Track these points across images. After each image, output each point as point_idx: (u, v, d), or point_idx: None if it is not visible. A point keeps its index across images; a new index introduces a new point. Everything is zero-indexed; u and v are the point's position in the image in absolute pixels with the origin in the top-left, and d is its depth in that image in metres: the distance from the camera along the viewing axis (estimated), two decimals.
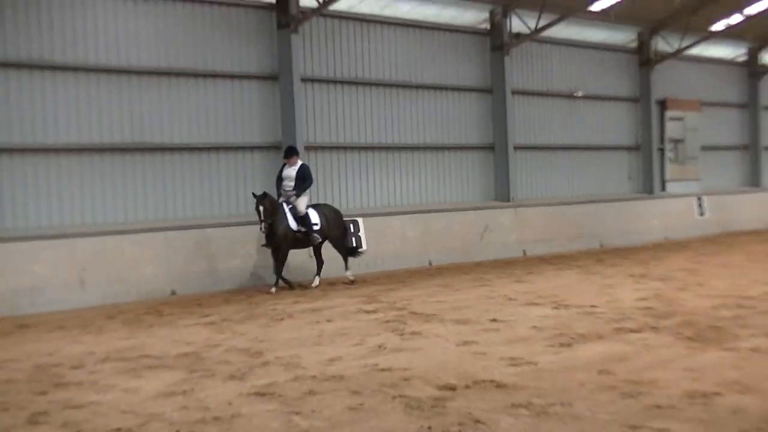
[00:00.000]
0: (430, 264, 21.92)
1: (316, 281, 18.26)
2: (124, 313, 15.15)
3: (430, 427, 7.33)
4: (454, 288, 17.31)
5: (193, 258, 17.86)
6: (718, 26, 30.11)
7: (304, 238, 17.62)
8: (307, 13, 20.50)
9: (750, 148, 34.83)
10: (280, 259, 17.48)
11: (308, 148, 20.94)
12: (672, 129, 30.96)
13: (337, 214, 18.71)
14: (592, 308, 13.77)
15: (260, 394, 8.72)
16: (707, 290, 15.58)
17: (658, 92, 30.39)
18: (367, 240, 20.81)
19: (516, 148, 25.69)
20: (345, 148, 22.09)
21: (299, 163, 17.91)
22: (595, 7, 25.88)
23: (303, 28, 20.74)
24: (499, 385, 8.77)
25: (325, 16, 21.27)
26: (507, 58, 25.27)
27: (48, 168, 17.41)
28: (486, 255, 23.18)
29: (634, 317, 12.76)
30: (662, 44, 30.02)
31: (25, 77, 17.13)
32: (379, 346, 11.15)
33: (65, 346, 11.99)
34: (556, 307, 14.03)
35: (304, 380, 9.29)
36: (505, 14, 25.11)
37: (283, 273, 17.60)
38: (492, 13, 25.11)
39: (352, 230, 20.53)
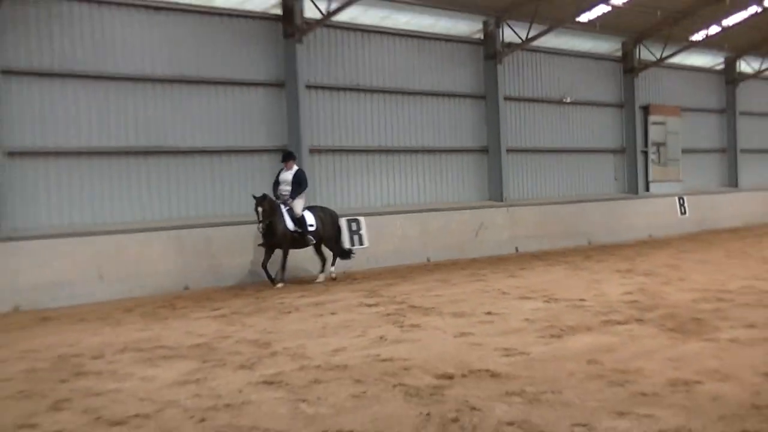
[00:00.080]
0: (428, 260, 21.91)
1: (321, 277, 18.26)
2: (140, 306, 15.15)
3: (428, 414, 7.32)
4: (451, 283, 17.30)
5: (205, 255, 17.86)
6: (698, 36, 30.15)
7: (300, 238, 17.62)
8: (312, 24, 20.53)
9: (728, 151, 34.85)
10: (282, 257, 17.49)
11: (312, 151, 20.97)
12: (655, 133, 30.96)
13: (332, 216, 18.66)
14: (581, 302, 13.76)
15: (268, 383, 8.72)
16: (689, 285, 15.56)
17: (641, 98, 30.42)
18: (368, 238, 20.82)
19: (508, 150, 25.71)
20: (347, 151, 22.09)
21: (295, 167, 17.86)
22: (582, 19, 25.93)
23: (307, 38, 20.77)
24: (494, 374, 8.77)
25: (328, 26, 21.28)
26: (499, 66, 25.29)
27: (68, 170, 17.45)
28: (481, 252, 23.18)
29: (620, 310, 12.74)
30: (645, 53, 30.05)
31: (47, 85, 17.17)
32: (381, 338, 11.14)
33: (85, 338, 11.99)
34: (546, 301, 14.02)
35: (310, 369, 9.28)
36: (498, 25, 25.15)
37: (280, 271, 17.58)
38: (485, 24, 25.13)
39: (355, 229, 20.54)
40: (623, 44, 29.86)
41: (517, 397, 7.82)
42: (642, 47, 29.95)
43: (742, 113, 35.04)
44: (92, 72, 17.73)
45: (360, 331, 11.70)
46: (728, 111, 34.84)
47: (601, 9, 25.74)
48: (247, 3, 20.01)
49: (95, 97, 17.82)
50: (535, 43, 25.72)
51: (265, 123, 20.43)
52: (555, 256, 22.75)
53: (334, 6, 20.24)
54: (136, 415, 7.63)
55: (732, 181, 34.77)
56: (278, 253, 17.61)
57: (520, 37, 25.28)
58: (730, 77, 34.69)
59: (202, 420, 7.43)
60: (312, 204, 19.10)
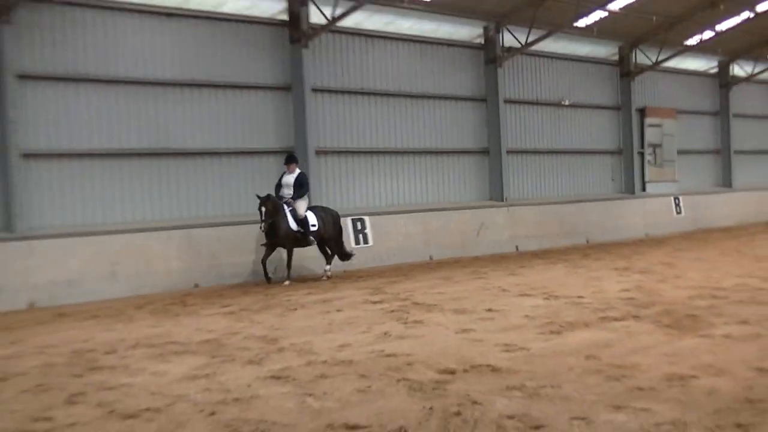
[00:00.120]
0: (430, 258, 21.91)
1: (328, 272, 18.30)
2: (152, 303, 15.18)
3: (431, 408, 7.33)
4: (453, 280, 17.31)
5: (214, 253, 17.88)
6: (692, 41, 30.17)
7: (302, 238, 17.61)
8: (317, 29, 20.53)
9: (721, 152, 34.80)
10: (288, 256, 17.53)
11: (318, 153, 20.99)
12: (651, 135, 30.93)
13: (333, 216, 18.64)
14: (579, 299, 13.76)
15: (276, 378, 8.73)
16: (684, 282, 15.55)
17: (637, 101, 30.38)
18: (373, 237, 20.83)
19: (509, 152, 25.70)
20: (352, 152, 22.09)
21: (297, 171, 17.87)
22: (579, 24, 25.96)
23: (313, 43, 20.77)
24: (495, 369, 8.77)
25: (333, 32, 21.28)
26: (500, 70, 25.27)
27: (81, 171, 17.46)
28: (482, 250, 23.19)
29: (617, 307, 12.74)
30: (641, 57, 30.01)
31: (60, 89, 17.19)
32: (385, 334, 11.14)
33: (99, 334, 12.02)
34: (546, 298, 14.02)
35: (316, 365, 9.29)
36: (498, 30, 25.13)
37: (287, 270, 17.62)
38: (486, 29, 25.12)
39: (359, 228, 20.56)
40: (620, 49, 29.82)
41: (518, 392, 7.82)
42: (638, 51, 29.91)
43: (736, 115, 35.00)
44: (104, 76, 17.75)
45: (365, 328, 11.71)
46: (722, 113, 34.79)
47: (598, 14, 25.78)
48: (255, 9, 20.02)
49: (107, 100, 17.84)
50: (534, 47, 25.71)
51: (272, 125, 20.44)
52: (554, 254, 22.75)
53: (339, 12, 20.23)
54: (148, 409, 7.64)
55: (726, 182, 34.73)
56: (279, 251, 17.67)
57: (519, 42, 25.27)
58: (723, 80, 34.65)
59: (212, 414, 7.44)
60: (316, 204, 19.17)
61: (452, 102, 24.66)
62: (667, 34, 28.81)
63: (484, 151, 25.42)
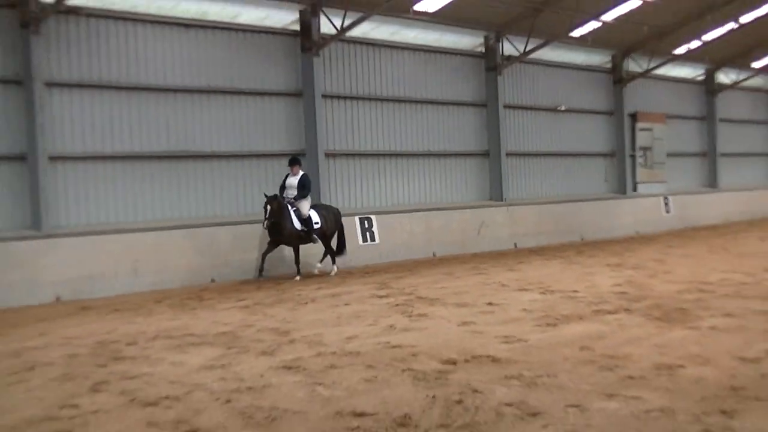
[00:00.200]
0: (434, 255, 21.90)
1: (334, 269, 18.28)
2: (171, 298, 15.18)
3: (434, 396, 7.33)
4: (455, 276, 17.30)
5: (230, 250, 17.88)
6: (680, 50, 30.15)
7: (305, 236, 17.58)
8: (327, 39, 20.53)
9: (708, 155, 34.77)
10: (294, 253, 17.50)
11: (328, 155, 20.98)
12: (641, 138, 30.89)
13: (334, 214, 18.56)
14: (574, 293, 13.75)
15: (288, 368, 8.73)
16: (673, 277, 15.53)
17: (629, 106, 30.33)
18: (379, 235, 20.83)
19: (508, 154, 25.67)
20: (360, 155, 22.07)
21: (301, 172, 17.80)
22: (575, 33, 25.93)
23: (323, 52, 20.77)
24: (494, 360, 8.77)
25: (342, 41, 21.27)
26: (500, 77, 25.25)
27: (105, 173, 17.48)
28: (482, 247, 23.16)
29: (610, 301, 12.73)
30: (633, 65, 29.99)
31: (86, 96, 17.21)
32: (391, 326, 11.14)
33: (121, 326, 12.03)
34: (543, 292, 14.00)
35: (326, 356, 9.29)
36: (498, 39, 25.11)
37: (296, 267, 17.59)
38: (486, 39, 25.10)
39: (367, 226, 20.55)
40: (613, 57, 29.78)
41: (516, 381, 7.82)
42: (630, 60, 29.90)
43: (721, 120, 34.97)
44: (127, 84, 17.77)
45: (372, 321, 11.71)
46: (708, 118, 34.76)
47: (592, 25, 25.76)
48: (268, 20, 20.02)
49: (129, 106, 17.86)
50: (532, 56, 25.67)
51: (284, 130, 20.43)
52: (550, 251, 22.72)
53: (348, 22, 20.22)
54: (167, 397, 7.66)
55: (712, 183, 34.70)
56: (280, 250, 17.69)
57: (518, 51, 25.25)
58: (710, 87, 34.62)
59: (227, 401, 7.46)
60: (322, 203, 19.20)
61: (455, 107, 24.63)
62: (657, 43, 28.81)
63: (485, 154, 25.39)
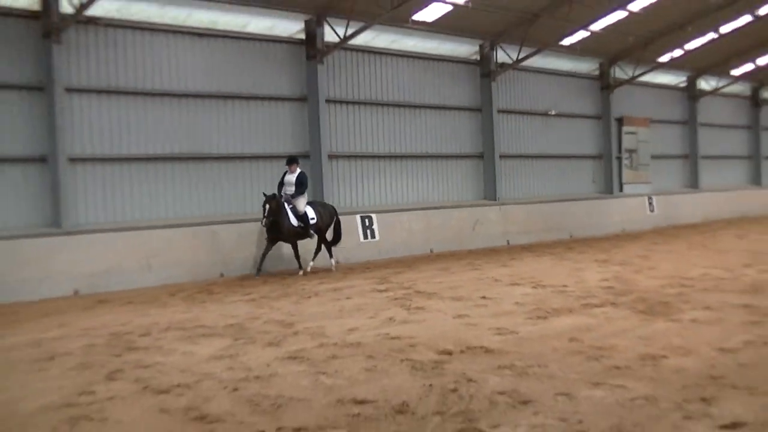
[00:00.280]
0: (431, 252, 21.87)
1: (332, 264, 18.21)
2: (182, 291, 15.17)
3: (431, 385, 7.33)
4: (451, 271, 17.28)
5: (237, 247, 17.85)
6: (664, 58, 30.08)
7: (302, 232, 17.50)
8: (331, 47, 20.53)
9: (690, 157, 34.74)
10: (293, 250, 17.38)
11: (331, 157, 20.97)
12: (627, 141, 30.87)
13: (330, 211, 18.38)
14: (564, 287, 13.74)
15: (292, 358, 8.73)
16: (656, 272, 15.52)
17: (616, 111, 30.30)
18: (379, 232, 20.81)
19: (501, 156, 25.66)
20: (361, 156, 22.06)
21: (298, 170, 17.70)
22: (565, 42, 25.93)
23: (327, 59, 20.76)
24: (488, 351, 8.77)
25: (345, 49, 21.26)
26: (494, 83, 25.23)
27: (121, 174, 17.49)
28: (477, 244, 23.14)
29: (597, 295, 12.73)
30: (619, 72, 29.97)
31: (103, 101, 17.22)
32: (390, 319, 11.14)
33: (135, 318, 12.03)
34: (534, 287, 14.00)
35: (328, 347, 9.29)
36: (492, 48, 25.10)
37: (297, 262, 17.51)
38: (481, 47, 25.09)
39: (368, 224, 20.54)
40: (600, 65, 29.77)
41: (508, 371, 7.82)
42: (616, 67, 29.87)
43: (702, 125, 34.93)
44: (142, 89, 17.77)
45: (372, 313, 11.70)
46: (690, 122, 34.72)
47: (581, 34, 25.78)
48: (275, 29, 20.01)
49: (145, 110, 17.86)
50: (525, 63, 25.65)
51: (290, 133, 20.42)
52: (541, 248, 22.71)
53: (350, 31, 20.22)
54: (179, 385, 7.67)
55: (693, 183, 34.69)
56: (278, 248, 17.58)
57: (511, 58, 25.24)
58: (691, 93, 34.59)
59: (235, 390, 7.46)
60: (324, 201, 19.19)
61: (451, 112, 24.62)
62: (642, 52, 28.78)
63: (480, 156, 25.38)
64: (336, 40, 20.47)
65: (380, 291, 14.27)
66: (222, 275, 17.33)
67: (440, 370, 7.93)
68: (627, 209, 29.64)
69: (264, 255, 17.23)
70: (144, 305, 13.46)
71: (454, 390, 7.15)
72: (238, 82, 19.44)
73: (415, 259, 20.31)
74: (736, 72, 34.85)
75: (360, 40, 21.16)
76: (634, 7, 24.74)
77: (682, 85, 34.38)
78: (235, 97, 19.38)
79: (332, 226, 18.37)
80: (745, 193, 36.74)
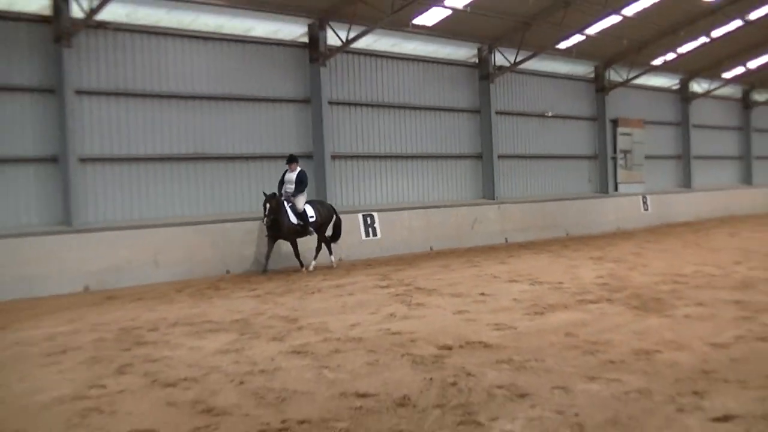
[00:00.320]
0: (431, 249, 21.86)
1: (332, 261, 18.15)
2: (190, 287, 15.16)
3: (431, 379, 7.33)
4: (451, 268, 17.26)
5: (243, 244, 17.84)
6: (657, 61, 30.11)
7: (302, 229, 17.46)
8: (333, 50, 20.53)
9: (682, 158, 34.70)
10: (293, 247, 17.25)
11: (334, 157, 20.97)
12: (622, 142, 30.85)
13: (328, 209, 18.30)
14: (560, 284, 13.73)
15: (296, 352, 8.73)
16: (650, 269, 15.51)
17: (611, 113, 30.28)
18: (381, 230, 20.81)
19: (499, 156, 25.64)
20: (363, 157, 22.06)
21: (298, 169, 17.64)
22: (561, 46, 25.95)
23: (330, 62, 20.75)
24: (486, 345, 8.76)
25: (347, 52, 21.26)
26: (492, 86, 25.22)
27: (130, 173, 17.50)
28: (475, 242, 23.13)
29: (593, 291, 12.72)
30: (614, 75, 29.95)
31: (113, 103, 17.24)
32: (391, 315, 11.13)
33: (144, 313, 12.03)
34: (531, 284, 13.98)
35: (331, 341, 9.29)
36: (491, 51, 25.09)
37: (297, 259, 17.40)
38: (480, 50, 25.08)
39: (369, 222, 20.53)
40: (595, 68, 29.74)
41: (506, 365, 7.82)
42: (611, 70, 29.85)
43: (694, 126, 34.90)
44: (150, 92, 17.78)
45: (374, 309, 11.70)
46: (683, 124, 34.68)
47: (576, 38, 25.78)
48: (279, 33, 20.00)
49: (153, 112, 17.87)
50: (522, 66, 25.63)
51: (294, 134, 20.42)
52: (538, 245, 22.69)
53: (352, 35, 20.21)
54: (186, 379, 7.67)
55: (686, 183, 34.66)
56: (279, 244, 17.53)
57: (509, 61, 25.22)
58: (684, 96, 34.56)
59: (241, 383, 7.46)
60: (320, 199, 19.14)
61: (451, 113, 24.61)
62: (636, 55, 28.80)
63: (478, 156, 25.37)
64: (338, 43, 20.47)
65: (382, 287, 14.25)
66: (228, 272, 17.32)
67: (440, 364, 7.92)
68: (622, 208, 29.62)
69: (268, 254, 17.21)
70: (152, 301, 13.46)
71: (454, 384, 7.14)
72: (243, 84, 19.45)
73: (415, 257, 20.29)
74: (727, 75, 34.86)
75: (362, 43, 21.17)
76: (628, 12, 24.75)
77: (675, 87, 34.35)
78: (240, 99, 19.38)
79: (332, 225, 18.34)
80: (736, 192, 36.73)
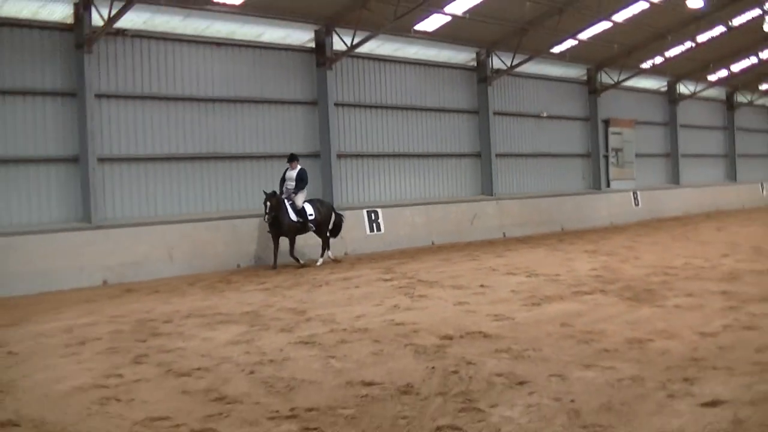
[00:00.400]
0: (432, 243, 21.82)
1: (327, 257, 17.84)
2: (202, 281, 15.14)
3: (433, 367, 7.29)
4: (451, 262, 17.23)
5: (253, 239, 17.80)
6: (646, 65, 30.09)
7: (301, 226, 17.33)
8: (339, 55, 20.48)
9: (671, 156, 34.63)
10: (290, 244, 16.99)
11: (339, 156, 20.92)
12: (614, 141, 30.76)
13: (328, 208, 18.12)
14: (556, 276, 13.69)
15: (304, 343, 8.69)
16: (642, 262, 15.47)
17: (603, 113, 30.19)
18: (384, 226, 20.77)
19: (497, 155, 25.55)
20: (368, 156, 22.00)
21: (299, 167, 17.56)
22: (555, 50, 25.88)
23: (336, 66, 20.70)
24: (486, 335, 8.73)
25: (352, 57, 21.19)
26: (490, 88, 25.15)
27: (147, 172, 17.46)
28: (475, 236, 23.08)
29: (587, 283, 12.67)
30: (605, 77, 29.88)
31: (130, 105, 17.20)
32: (395, 306, 11.09)
33: (159, 306, 12.00)
34: (528, 276, 13.94)
35: (338, 332, 9.25)
36: (488, 55, 25.02)
37: (291, 255, 17.10)
38: (478, 54, 25.00)
39: (374, 218, 20.49)
40: (588, 70, 29.68)
41: (505, 354, 7.78)
42: (603, 73, 29.77)
43: (682, 126, 34.83)
44: (166, 95, 17.74)
45: (378, 301, 11.66)
46: (671, 124, 34.62)
47: (570, 43, 25.72)
48: (288, 38, 19.95)
49: (168, 114, 17.84)
50: (518, 69, 25.53)
51: (301, 134, 20.37)
52: (535, 240, 22.66)
53: (357, 40, 20.15)
54: (199, 368, 7.63)
55: (675, 180, 34.60)
56: (284, 241, 17.38)
57: (505, 65, 25.15)
58: (672, 97, 34.51)
59: (251, 372, 7.42)
60: (320, 198, 19.04)
61: (450, 114, 24.55)
62: (626, 59, 28.74)
63: (477, 155, 25.30)
64: (344, 48, 20.42)
65: (386, 280, 14.22)
66: (239, 266, 17.29)
67: (442, 353, 7.88)
68: (614, 204, 29.58)
69: (276, 250, 17.12)
70: (167, 294, 13.43)
71: (455, 372, 7.10)
72: (253, 87, 19.40)
73: (417, 251, 20.25)
74: (712, 78, 34.80)
75: (366, 48, 21.09)
76: (618, 18, 24.78)
77: (663, 89, 34.30)
78: (251, 102, 19.33)
79: (332, 222, 18.23)
80: (722, 188, 36.79)
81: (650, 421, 5.65)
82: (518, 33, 24.03)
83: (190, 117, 18.23)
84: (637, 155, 31.98)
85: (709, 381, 6.57)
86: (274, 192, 17.03)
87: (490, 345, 8.21)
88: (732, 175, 38.64)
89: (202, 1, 17.36)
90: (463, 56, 24.80)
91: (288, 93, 20.10)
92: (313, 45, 20.47)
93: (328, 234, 18.01)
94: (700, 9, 25.45)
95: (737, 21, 27.80)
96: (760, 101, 39.92)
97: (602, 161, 30.18)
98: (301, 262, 17.13)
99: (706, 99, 36.61)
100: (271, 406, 6.31)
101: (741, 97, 38.54)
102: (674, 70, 32.43)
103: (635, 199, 30.61)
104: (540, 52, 25.25)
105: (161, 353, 8.41)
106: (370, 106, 22.09)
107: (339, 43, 20.40)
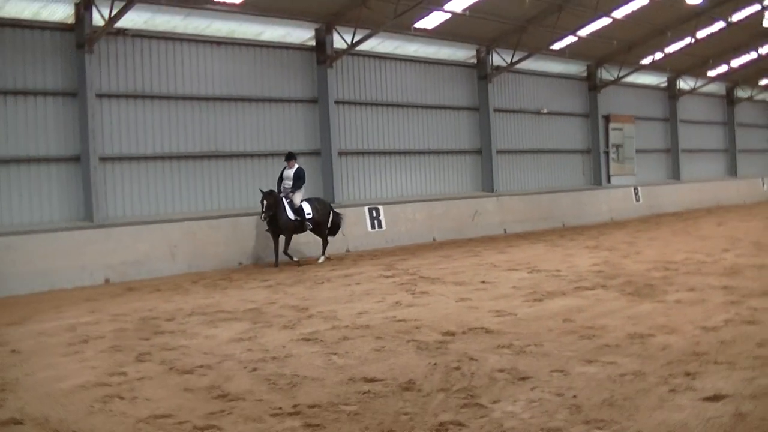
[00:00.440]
0: (434, 240, 21.81)
1: (321, 258, 17.72)
2: (204, 279, 15.14)
3: (435, 364, 7.28)
4: (453, 258, 17.22)
5: (254, 237, 17.78)
6: (646, 61, 30.00)
7: (299, 225, 17.28)
8: (339, 53, 20.45)
9: (671, 151, 34.62)
10: (286, 242, 16.89)
11: (340, 154, 20.91)
12: (614, 137, 30.75)
13: (325, 206, 17.98)
14: (557, 272, 13.69)
15: (306, 340, 8.69)
16: (643, 257, 15.46)
17: (603, 109, 30.16)
18: (386, 222, 20.76)
19: (498, 152, 25.54)
20: (368, 153, 21.98)
21: (296, 166, 17.50)
22: (555, 47, 25.87)
23: (336, 64, 20.68)
24: (488, 331, 8.72)
25: (352, 54, 21.16)
26: (490, 85, 25.14)
27: (148, 171, 17.45)
28: (476, 233, 23.08)
29: (588, 278, 12.67)
30: (605, 74, 29.90)
31: (131, 105, 17.19)
32: (397, 303, 11.09)
33: (161, 304, 11.99)
34: (530, 272, 13.94)
35: (340, 329, 9.25)
36: (488, 52, 24.99)
37: (287, 252, 16.96)
38: (478, 52, 24.98)
39: (375, 215, 20.48)
40: (588, 67, 29.66)
41: (507, 349, 7.77)
42: (602, 69, 29.78)
43: (682, 121, 34.81)
44: (166, 94, 17.72)
45: (380, 298, 11.66)
46: (671, 119, 34.61)
47: (569, 39, 25.69)
48: (288, 37, 19.94)
49: (169, 113, 17.83)
50: (518, 66, 25.53)
51: (302, 132, 20.35)
52: (536, 235, 22.64)
53: (357, 38, 20.14)
54: (202, 366, 7.63)
55: (675, 175, 34.58)
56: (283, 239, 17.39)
57: (506, 62, 25.14)
58: (672, 93, 34.48)
59: (254, 370, 7.42)
60: (316, 197, 19.01)
61: (451, 111, 24.53)
62: (626, 55, 28.72)
63: (478, 151, 25.28)
64: (344, 46, 20.39)
65: (387, 277, 14.21)
66: (240, 264, 17.29)
67: (444, 349, 7.87)
68: (614, 199, 29.57)
69: (276, 249, 17.07)
70: (169, 292, 13.42)
71: (457, 368, 7.09)
72: (254, 86, 19.39)
73: (419, 247, 20.24)
74: (712, 73, 34.76)
75: (366, 46, 21.07)
76: (617, 15, 24.70)
77: (663, 85, 34.27)
78: (251, 100, 19.31)
79: (330, 221, 18.19)
80: (722, 183, 36.75)
81: (652, 415, 5.64)
82: (518, 30, 24.01)
83: (191, 116, 18.22)
84: (637, 151, 31.97)
85: (711, 375, 6.55)
86: (271, 190, 16.99)
87: (491, 341, 8.20)
88: (732, 171, 38.62)
89: (202, 1, 17.35)
90: (463, 53, 24.78)
91: (288, 91, 20.08)
92: (313, 43, 20.45)
93: (326, 233, 18.00)
94: (699, 5, 25.45)
95: (736, 16, 27.73)
96: (760, 96, 39.83)
97: (602, 157, 30.17)
98: (296, 259, 17.05)
99: (706, 94, 36.61)
100: (273, 403, 6.31)
101: (741, 93, 38.51)
102: (674, 66, 32.38)
103: (636, 194, 30.61)
104: (540, 49, 25.21)
105: (164, 351, 8.41)
106: (371, 104, 22.08)
107: (339, 41, 20.38)
